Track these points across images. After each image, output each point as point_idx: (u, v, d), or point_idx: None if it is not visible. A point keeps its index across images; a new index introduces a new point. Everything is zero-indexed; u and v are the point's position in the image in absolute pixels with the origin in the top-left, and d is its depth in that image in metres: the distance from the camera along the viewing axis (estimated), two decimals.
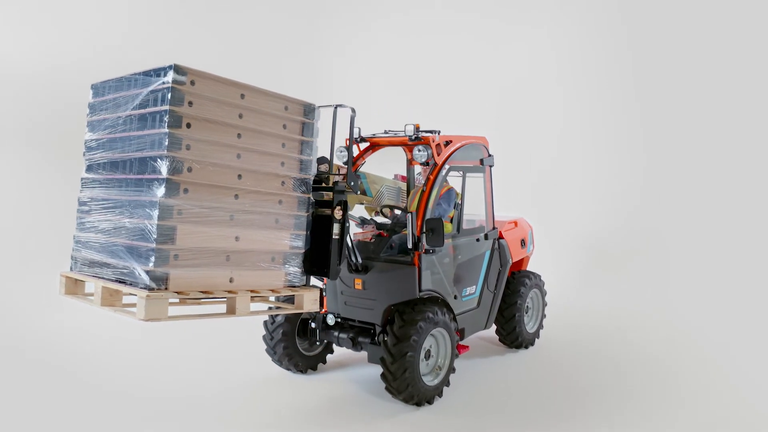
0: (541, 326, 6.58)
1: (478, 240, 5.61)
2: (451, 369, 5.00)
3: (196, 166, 3.63)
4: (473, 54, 11.75)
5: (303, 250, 4.35)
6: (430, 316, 4.65)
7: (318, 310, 4.44)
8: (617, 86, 10.63)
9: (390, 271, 4.89)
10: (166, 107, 3.49)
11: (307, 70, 11.85)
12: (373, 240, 5.51)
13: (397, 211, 5.47)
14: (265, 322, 5.27)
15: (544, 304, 6.62)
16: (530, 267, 6.97)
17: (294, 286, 4.33)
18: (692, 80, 9.94)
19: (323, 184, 4.48)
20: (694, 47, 9.96)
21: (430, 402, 4.80)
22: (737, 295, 8.21)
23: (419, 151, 4.96)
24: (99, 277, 3.84)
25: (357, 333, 5.03)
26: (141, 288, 3.49)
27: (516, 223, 6.55)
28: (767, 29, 9.39)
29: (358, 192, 4.75)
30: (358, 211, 5.54)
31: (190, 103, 3.59)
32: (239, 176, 3.91)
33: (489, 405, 4.93)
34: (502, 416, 4.73)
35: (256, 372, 5.47)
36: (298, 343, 5.33)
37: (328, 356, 5.70)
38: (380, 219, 5.65)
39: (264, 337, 5.29)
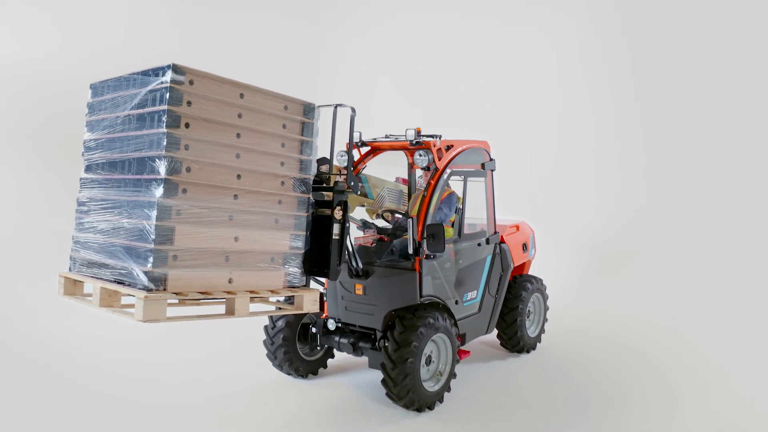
0: (542, 330, 6.54)
1: (479, 245, 5.57)
2: (452, 374, 4.96)
3: (194, 166, 3.61)
4: (474, 56, 11.74)
5: (303, 251, 4.33)
6: (431, 322, 4.62)
7: (317, 310, 4.41)
8: (618, 89, 10.59)
9: (391, 276, 4.86)
10: (165, 107, 3.46)
11: (307, 71, 11.85)
12: (374, 245, 5.48)
13: (399, 215, 5.45)
14: (266, 327, 5.24)
15: (546, 309, 6.59)
16: (532, 270, 6.93)
17: (294, 287, 4.30)
18: (693, 82, 9.89)
19: (324, 185, 4.45)
20: (695, 49, 9.92)
21: (430, 408, 4.77)
22: (739, 297, 8.16)
23: (420, 156, 4.94)
24: (97, 278, 3.81)
25: (358, 338, 4.99)
26: (139, 289, 3.47)
27: (518, 227, 6.51)
28: (767, 29, 9.34)
29: (359, 192, 4.71)
30: (359, 213, 5.51)
31: (189, 103, 3.57)
32: (238, 176, 3.88)
33: (490, 410, 4.90)
34: (504, 422, 4.70)
35: (257, 376, 5.44)
36: (298, 348, 5.30)
37: (329, 361, 5.66)
38: (381, 223, 5.63)
39: (265, 342, 5.26)
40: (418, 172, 5.68)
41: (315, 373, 5.48)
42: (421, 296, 4.79)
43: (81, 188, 4.14)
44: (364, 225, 5.49)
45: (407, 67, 12.14)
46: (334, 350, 5.58)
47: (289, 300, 4.57)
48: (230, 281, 3.87)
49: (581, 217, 10.29)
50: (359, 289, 4.93)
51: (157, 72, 3.56)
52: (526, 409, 4.94)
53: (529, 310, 6.36)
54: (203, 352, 6.19)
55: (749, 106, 9.42)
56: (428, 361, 4.82)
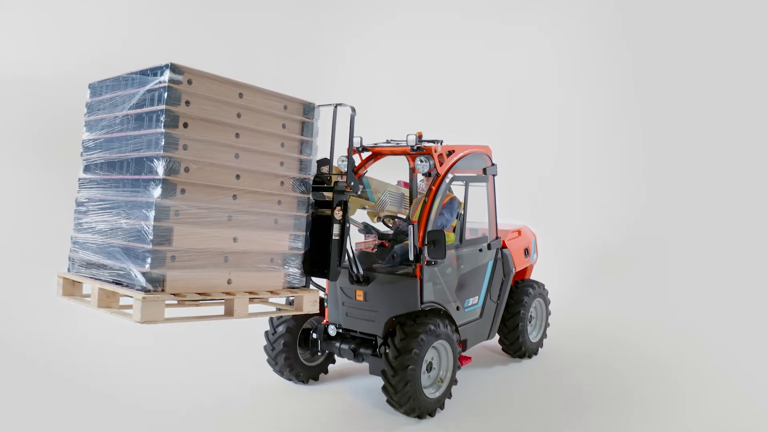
0: (544, 335, 6.49)
1: (480, 250, 5.53)
2: (454, 381, 4.92)
3: (193, 166, 3.59)
4: (474, 56, 11.68)
5: (303, 251, 4.30)
6: (431, 329, 4.58)
7: (317, 311, 4.39)
8: (618, 90, 10.51)
9: (391, 282, 4.83)
10: (163, 107, 3.44)
11: (308, 72, 11.84)
12: (375, 250, 5.45)
13: (400, 219, 5.42)
14: (266, 333, 5.21)
15: (548, 313, 6.53)
16: (533, 273, 6.88)
17: (293, 288, 4.28)
18: (693, 83, 9.81)
19: (324, 185, 4.43)
20: (696, 52, 9.83)
21: (431, 414, 4.73)
22: (740, 298, 8.09)
23: (421, 161, 4.91)
24: (96, 279, 3.79)
25: (358, 344, 4.96)
26: (137, 290, 3.44)
27: (520, 232, 6.46)
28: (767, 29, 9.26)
29: (359, 192, 4.68)
30: (361, 217, 5.48)
31: (187, 103, 3.55)
32: (237, 176, 3.86)
33: (491, 417, 4.86)
34: (505, 428, 4.66)
35: (257, 382, 5.41)
36: (299, 353, 5.27)
37: (330, 366, 5.62)
38: (383, 227, 5.59)
39: (265, 347, 5.23)
40: (420, 176, 5.65)
41: (316, 378, 5.44)
42: (422, 303, 4.75)
43: (79, 188, 4.12)
44: (366, 228, 5.45)
45: (407, 67, 12.11)
46: (335, 356, 5.54)
47: (289, 301, 4.55)
48: (229, 282, 3.85)
49: (582, 218, 10.22)
50: (360, 295, 4.90)
51: (155, 71, 3.54)
52: (528, 415, 4.89)
53: (531, 316, 6.31)
54: (203, 356, 6.15)
55: (750, 107, 9.33)
56: (429, 368, 4.78)
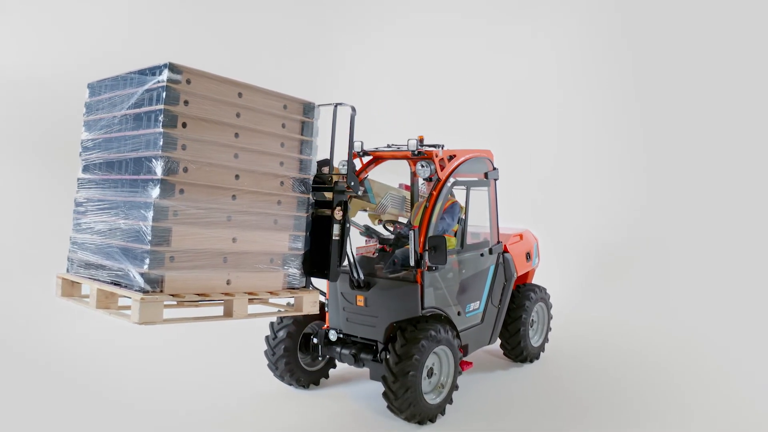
0: (546, 339, 6.44)
1: (482, 255, 5.48)
2: (454, 386, 4.89)
3: (192, 166, 3.56)
4: (475, 58, 11.63)
5: (302, 252, 4.28)
6: (432, 334, 4.55)
7: (317, 312, 4.37)
8: (619, 92, 10.41)
9: (392, 288, 4.80)
10: (161, 106, 3.42)
11: (308, 73, 11.82)
12: (376, 255, 5.42)
13: (401, 223, 5.38)
14: (267, 338, 5.18)
15: (550, 317, 6.48)
16: (535, 277, 6.82)
17: (293, 288, 4.25)
18: (694, 86, 9.71)
19: (324, 185, 4.40)
20: (696, 52, 9.75)
21: (432, 420, 4.69)
22: (742, 301, 8.02)
23: (422, 166, 4.88)
24: (94, 279, 3.78)
25: (359, 349, 4.93)
26: (136, 290, 3.43)
27: (521, 236, 6.41)
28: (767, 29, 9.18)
29: (359, 192, 4.66)
30: (362, 219, 5.44)
31: (186, 102, 3.52)
32: (237, 176, 3.83)
33: (492, 422, 4.82)
34: None
35: (258, 386, 5.38)
36: (300, 358, 5.23)
37: (331, 371, 5.58)
38: (384, 232, 5.55)
39: (266, 352, 5.20)
40: (421, 180, 5.61)
41: (317, 383, 5.41)
42: (422, 308, 4.72)
43: (78, 188, 4.10)
44: (367, 231, 5.42)
45: (408, 68, 12.08)
46: (336, 361, 5.52)
47: (290, 304, 4.52)
48: (228, 283, 3.83)
49: (584, 221, 10.14)
50: (361, 301, 4.86)
51: (153, 71, 3.52)
52: (530, 420, 4.85)
53: (532, 320, 6.26)
54: (203, 359, 6.11)
55: (751, 108, 9.24)
56: (430, 374, 4.74)
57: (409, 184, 5.95)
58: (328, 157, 4.52)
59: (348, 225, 4.34)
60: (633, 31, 10.35)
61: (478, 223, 5.58)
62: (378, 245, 5.50)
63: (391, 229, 5.44)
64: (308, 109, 4.27)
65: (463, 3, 11.82)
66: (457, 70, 11.71)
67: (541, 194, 10.62)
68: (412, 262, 4.64)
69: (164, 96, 3.42)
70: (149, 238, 3.39)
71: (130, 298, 3.42)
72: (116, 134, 3.78)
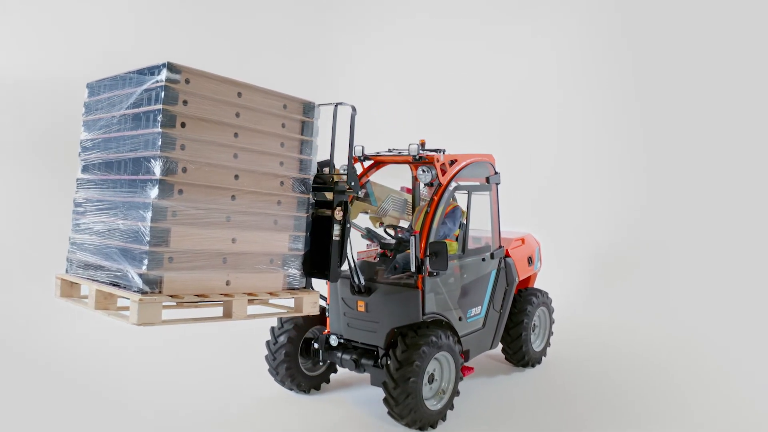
0: (548, 344, 6.40)
1: (483, 260, 5.44)
2: (456, 392, 4.85)
3: (191, 166, 3.54)
4: (475, 60, 11.56)
5: (302, 252, 4.25)
6: (433, 340, 4.51)
7: (317, 313, 4.34)
8: (620, 95, 10.30)
9: (393, 293, 4.76)
10: (160, 106, 3.40)
11: (309, 75, 11.79)
12: (377, 259, 5.39)
13: (402, 228, 5.35)
14: (268, 342, 5.15)
15: (552, 322, 6.43)
16: (537, 281, 6.77)
17: (293, 289, 4.23)
18: (695, 89, 9.59)
19: (324, 185, 4.37)
20: (696, 55, 9.64)
21: (433, 426, 4.65)
22: (746, 306, 7.94)
23: (423, 171, 4.85)
24: (93, 280, 3.76)
25: (360, 355, 4.89)
26: (134, 291, 3.41)
27: (523, 240, 6.36)
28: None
29: (359, 192, 4.63)
30: (364, 222, 5.41)
31: (185, 102, 3.50)
32: (236, 176, 3.81)
33: (494, 427, 4.77)
34: None
35: (258, 391, 5.34)
36: (300, 363, 5.20)
37: (332, 376, 5.55)
38: (386, 235, 5.52)
39: (266, 357, 5.17)
40: (422, 184, 5.57)
41: (317, 388, 5.38)
42: (423, 314, 4.69)
43: (77, 189, 4.08)
44: (369, 233, 5.39)
45: (408, 70, 12.03)
46: (337, 366, 5.49)
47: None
48: (228, 283, 3.81)
49: (587, 224, 10.05)
50: (361, 306, 4.83)
51: (152, 71, 3.50)
52: (531, 426, 4.80)
53: (534, 324, 6.22)
54: (204, 364, 6.07)
55: (752, 109, 9.14)
56: (431, 380, 4.70)
57: (410, 187, 5.92)
58: (329, 157, 4.49)
59: (348, 225, 4.31)
60: (632, 34, 10.24)
61: (479, 227, 5.54)
62: (379, 250, 5.47)
63: (393, 233, 5.41)
64: (308, 108, 4.25)
65: (462, 4, 11.77)
66: (457, 70, 11.66)
67: (543, 197, 10.54)
68: (413, 268, 4.61)
69: (163, 96, 3.40)
70: (148, 238, 3.37)
71: (128, 299, 3.41)
72: (115, 134, 3.76)
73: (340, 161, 4.62)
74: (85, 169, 4.03)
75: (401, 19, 12.22)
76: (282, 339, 5.07)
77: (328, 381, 5.48)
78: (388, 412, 4.53)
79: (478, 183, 5.37)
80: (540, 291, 6.30)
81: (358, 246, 5.24)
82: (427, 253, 4.56)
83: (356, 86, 11.65)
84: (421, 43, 11.95)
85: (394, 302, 4.74)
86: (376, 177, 5.49)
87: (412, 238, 4.58)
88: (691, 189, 9.48)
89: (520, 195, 9.57)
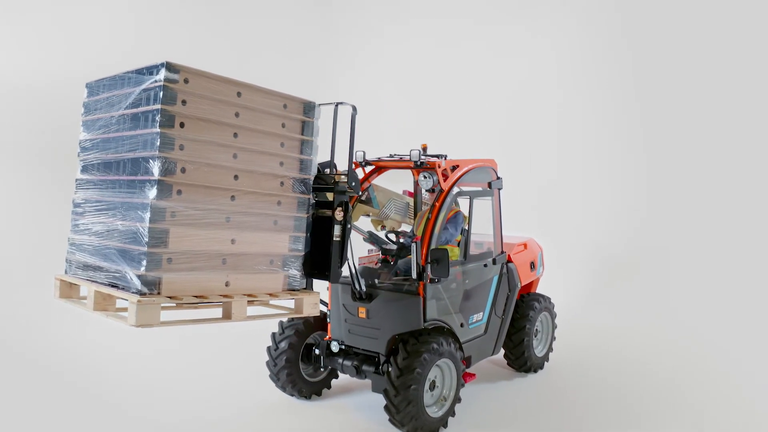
0: (550, 349, 6.34)
1: (485, 265, 5.39)
2: (457, 399, 4.80)
3: (189, 166, 3.52)
4: (476, 62, 11.50)
5: (303, 253, 4.22)
6: (434, 347, 4.47)
7: (317, 314, 4.31)
8: (621, 98, 10.20)
9: (394, 300, 4.72)
10: (158, 106, 3.37)
11: (310, 77, 11.77)
12: (378, 265, 5.35)
13: (404, 231, 5.31)
14: (269, 348, 5.12)
15: (554, 327, 6.37)
16: (540, 285, 6.72)
17: (293, 290, 4.20)
18: (697, 91, 9.47)
19: (325, 185, 4.34)
20: (699, 56, 9.52)
21: None
22: (750, 310, 7.85)
23: (425, 177, 4.82)
24: (92, 281, 3.74)
25: (361, 361, 4.86)
26: (132, 293, 3.39)
27: (525, 245, 6.30)
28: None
29: (359, 193, 4.59)
30: (366, 226, 5.37)
31: (184, 102, 3.47)
32: (236, 177, 3.78)
33: None
34: None
35: (259, 396, 5.30)
36: (302, 369, 5.17)
37: (333, 381, 5.51)
38: (387, 239, 5.48)
39: (267, 363, 5.13)
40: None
41: (319, 393, 5.34)
42: (425, 320, 4.65)
43: (76, 189, 4.07)
44: (371, 237, 5.35)
45: (409, 72, 11.99)
46: (338, 372, 5.45)
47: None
48: (227, 284, 3.78)
49: (589, 228, 9.98)
50: (362, 313, 4.79)
51: (151, 70, 3.48)
52: None
53: (536, 330, 6.16)
54: (204, 369, 6.03)
55: (754, 111, 9.03)
56: (432, 387, 4.66)
57: (412, 190, 5.88)
58: (329, 157, 4.46)
59: (349, 226, 4.28)
60: (635, 37, 10.13)
61: (481, 231, 5.49)
62: (381, 255, 5.43)
63: (394, 239, 5.38)
64: (309, 108, 4.22)
65: (462, 6, 11.71)
66: (457, 71, 11.60)
67: (544, 201, 10.44)
68: (414, 275, 4.57)
69: (161, 96, 3.37)
70: (146, 239, 3.35)
71: (127, 300, 3.38)
72: (114, 134, 3.74)
73: (341, 161, 4.59)
74: (84, 169, 4.01)
75: (401, 20, 12.19)
76: (283, 345, 5.03)
77: (329, 387, 5.44)
78: (389, 420, 4.50)
79: (480, 188, 5.32)
80: (542, 296, 6.24)
81: (359, 251, 5.20)
82: (429, 260, 4.52)
83: (357, 87, 11.63)
84: (421, 44, 11.91)
85: (395, 309, 4.70)
86: (377, 181, 5.45)
87: (413, 245, 4.54)
88: (693, 192, 9.37)
89: (522, 199, 9.50)
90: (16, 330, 6.99)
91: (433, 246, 4.63)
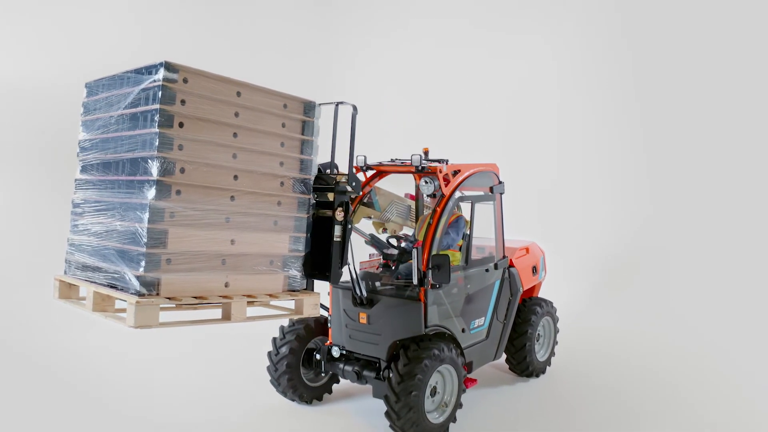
0: (552, 354, 6.29)
1: (487, 270, 5.34)
2: (458, 405, 4.75)
3: (189, 166, 3.50)
4: (476, 64, 11.47)
5: (303, 253, 4.20)
6: (436, 353, 4.42)
7: (317, 315, 4.29)
8: (620, 104, 10.15)
9: (395, 306, 4.68)
10: (157, 106, 3.36)
11: (310, 79, 11.77)
12: (379, 269, 5.32)
13: (406, 234, 5.28)
14: (269, 353, 5.09)
15: (556, 332, 6.32)
16: (541, 289, 6.65)
17: (294, 291, 4.18)
18: (698, 92, 9.40)
19: (325, 185, 4.32)
20: (699, 57, 9.46)
21: None
22: (753, 313, 7.77)
23: (426, 182, 4.77)
24: (91, 282, 3.72)
25: (362, 366, 4.81)
26: (131, 293, 3.37)
27: (528, 250, 6.24)
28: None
29: (359, 193, 4.56)
30: (367, 228, 5.33)
31: (183, 102, 3.46)
32: (235, 177, 3.76)
33: None
34: None
35: (260, 401, 5.26)
36: (302, 374, 5.13)
37: (334, 386, 5.46)
38: (387, 240, 5.45)
39: (268, 368, 5.09)
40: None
41: (319, 398, 5.29)
42: (426, 326, 4.61)
43: (76, 189, 4.06)
44: (373, 239, 5.32)
45: (410, 74, 11.97)
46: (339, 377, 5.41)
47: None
48: (227, 285, 3.76)
49: (588, 231, 9.90)
50: (363, 318, 4.74)
51: (149, 70, 3.46)
52: None
53: (538, 334, 6.10)
54: (205, 373, 5.97)
55: (755, 112, 8.97)
56: (433, 392, 4.62)
57: (414, 194, 5.85)
58: (330, 157, 4.44)
59: (350, 226, 4.25)
60: (637, 40, 10.08)
61: (483, 235, 5.44)
62: (382, 260, 5.40)
63: (395, 243, 5.35)
64: (309, 108, 4.20)
65: (462, 7, 11.69)
66: (457, 73, 11.56)
67: (546, 204, 10.37)
68: (415, 281, 4.54)
69: (160, 95, 3.35)
70: (145, 240, 3.33)
71: (125, 301, 3.36)
72: (113, 134, 3.73)
73: (342, 162, 4.56)
74: (84, 169, 4.00)
75: (401, 21, 12.17)
76: (284, 350, 5.00)
77: (330, 391, 5.40)
78: (390, 426, 4.46)
79: (481, 193, 5.27)
80: (544, 300, 6.19)
81: (360, 256, 5.16)
82: (430, 266, 4.49)
83: (357, 87, 11.61)
84: (421, 45, 11.89)
85: (396, 314, 4.66)
86: (379, 184, 5.43)
87: (415, 250, 4.50)
88: (695, 194, 9.30)
89: (524, 203, 9.46)
90: (15, 330, 6.98)
91: (434, 251, 4.59)
